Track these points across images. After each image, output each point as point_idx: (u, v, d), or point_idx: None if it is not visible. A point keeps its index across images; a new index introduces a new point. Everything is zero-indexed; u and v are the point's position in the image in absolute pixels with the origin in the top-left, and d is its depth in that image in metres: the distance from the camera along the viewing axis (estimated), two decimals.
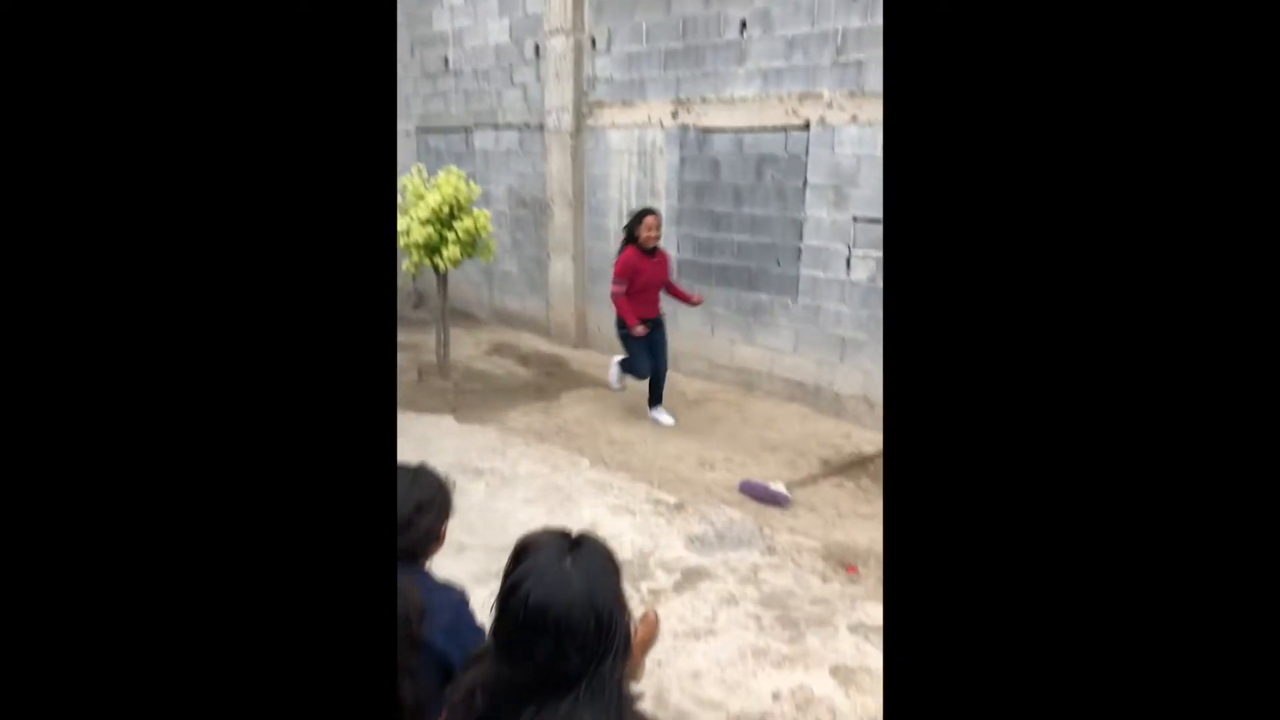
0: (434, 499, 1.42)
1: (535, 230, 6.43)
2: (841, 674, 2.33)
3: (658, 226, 4.21)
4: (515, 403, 4.83)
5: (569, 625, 0.93)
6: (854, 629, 2.56)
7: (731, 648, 2.46)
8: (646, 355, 4.39)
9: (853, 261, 4.43)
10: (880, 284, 4.32)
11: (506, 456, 3.96)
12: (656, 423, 4.54)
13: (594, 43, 5.63)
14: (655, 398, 4.61)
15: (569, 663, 0.93)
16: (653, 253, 4.26)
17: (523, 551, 1.00)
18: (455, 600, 1.37)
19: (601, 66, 5.62)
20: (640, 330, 4.20)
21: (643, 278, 4.22)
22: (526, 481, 3.69)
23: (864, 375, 4.49)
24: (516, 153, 6.48)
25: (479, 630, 1.35)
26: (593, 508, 3.42)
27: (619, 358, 4.61)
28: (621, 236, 4.31)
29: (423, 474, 1.45)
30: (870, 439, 4.26)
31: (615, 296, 4.21)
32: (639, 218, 4.21)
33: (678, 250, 5.41)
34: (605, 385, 5.18)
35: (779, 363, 4.96)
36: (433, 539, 1.43)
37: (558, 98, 5.84)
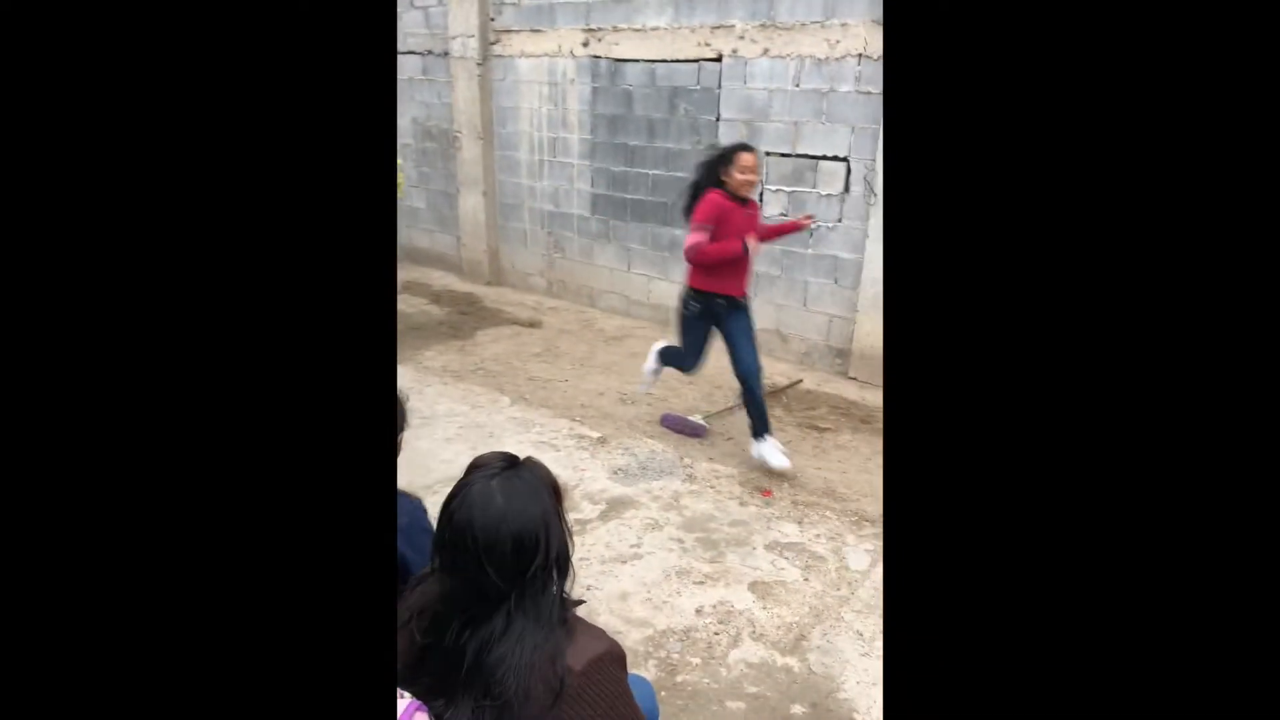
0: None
1: (443, 164, 6.20)
2: (759, 589, 2.49)
3: (755, 168, 2.91)
4: (429, 342, 4.74)
5: (486, 542, 0.97)
6: (770, 547, 2.72)
7: (656, 569, 2.57)
8: (702, 344, 3.22)
9: (765, 197, 4.50)
10: (790, 218, 4.42)
11: (424, 395, 3.91)
12: (765, 463, 3.13)
13: None
14: (759, 426, 3.15)
15: (488, 579, 0.97)
16: (744, 202, 3.01)
17: (468, 471, 1.04)
18: (410, 504, 1.44)
19: None
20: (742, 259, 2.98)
21: (731, 230, 2.95)
22: (446, 420, 3.67)
23: (776, 309, 4.63)
24: (420, 81, 6.17)
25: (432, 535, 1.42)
26: (516, 444, 3.45)
27: (661, 344, 3.49)
28: (694, 176, 3.09)
29: None
30: (782, 371, 4.42)
31: (695, 249, 2.92)
32: (728, 155, 2.92)
33: (591, 185, 5.34)
34: (520, 324, 5.14)
35: None
36: None
37: (462, 23, 5.57)
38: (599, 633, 1.07)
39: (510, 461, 1.05)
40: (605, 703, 1.02)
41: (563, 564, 1.04)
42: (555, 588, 1.04)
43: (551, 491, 1.05)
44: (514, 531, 0.98)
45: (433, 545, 1.04)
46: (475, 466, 1.05)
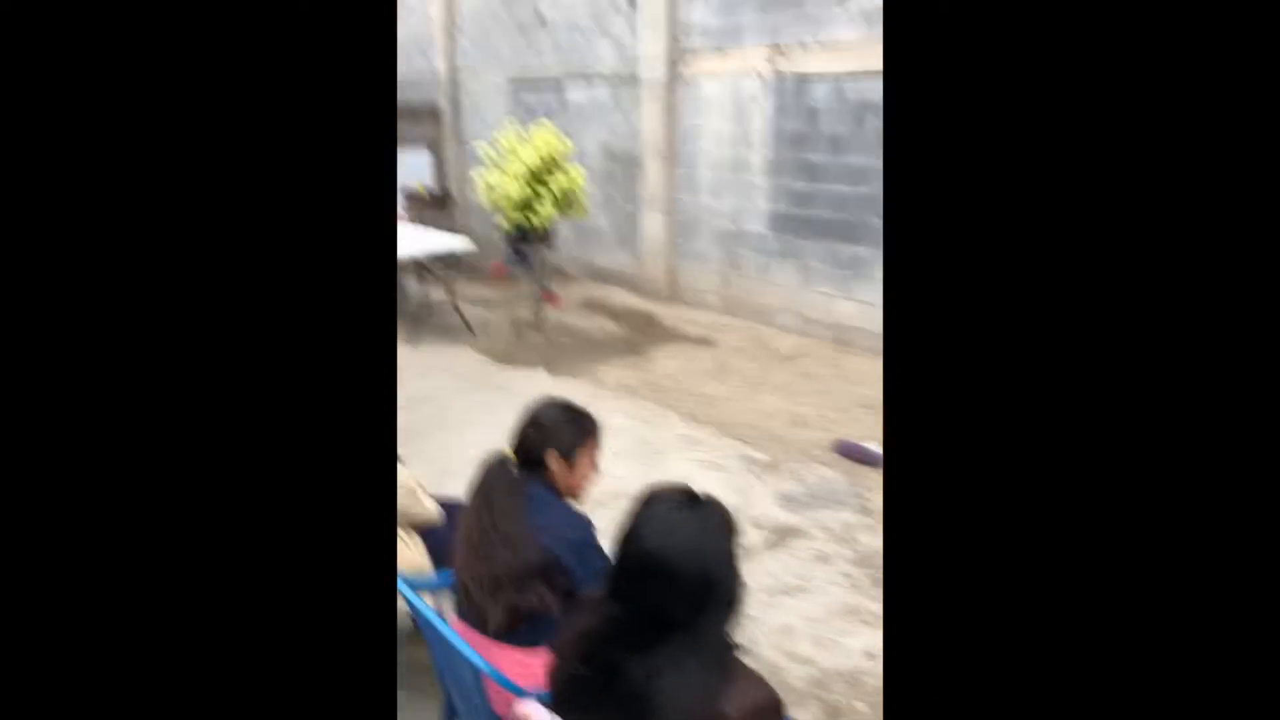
0: (555, 422, 1.51)
1: (626, 185, 6.40)
2: None
3: None
4: (607, 358, 4.88)
5: (675, 572, 0.97)
6: None
7: (823, 605, 2.44)
8: None
9: None
10: None
11: (598, 410, 4.02)
12: None
13: None
14: None
15: (670, 609, 0.96)
16: None
17: (644, 500, 1.05)
18: (580, 521, 1.47)
19: (696, 13, 5.46)
20: None
21: None
22: (617, 435, 3.73)
23: None
24: (609, 106, 6.42)
25: (603, 556, 1.43)
26: (682, 463, 3.44)
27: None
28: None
29: (544, 403, 1.54)
30: None
31: None
32: None
33: (771, 202, 5.27)
34: (694, 341, 5.15)
35: (877, 318, 4.79)
36: (565, 464, 1.51)
37: (651, 47, 5.73)
38: (759, 679, 1.02)
39: (693, 496, 1.06)
40: None
41: (736, 606, 1.03)
42: (724, 629, 1.02)
43: (732, 532, 1.05)
44: (703, 565, 0.98)
45: (610, 568, 1.05)
46: (655, 497, 1.05)
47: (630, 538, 1.01)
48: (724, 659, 1.00)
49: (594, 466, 1.59)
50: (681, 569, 0.97)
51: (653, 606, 0.97)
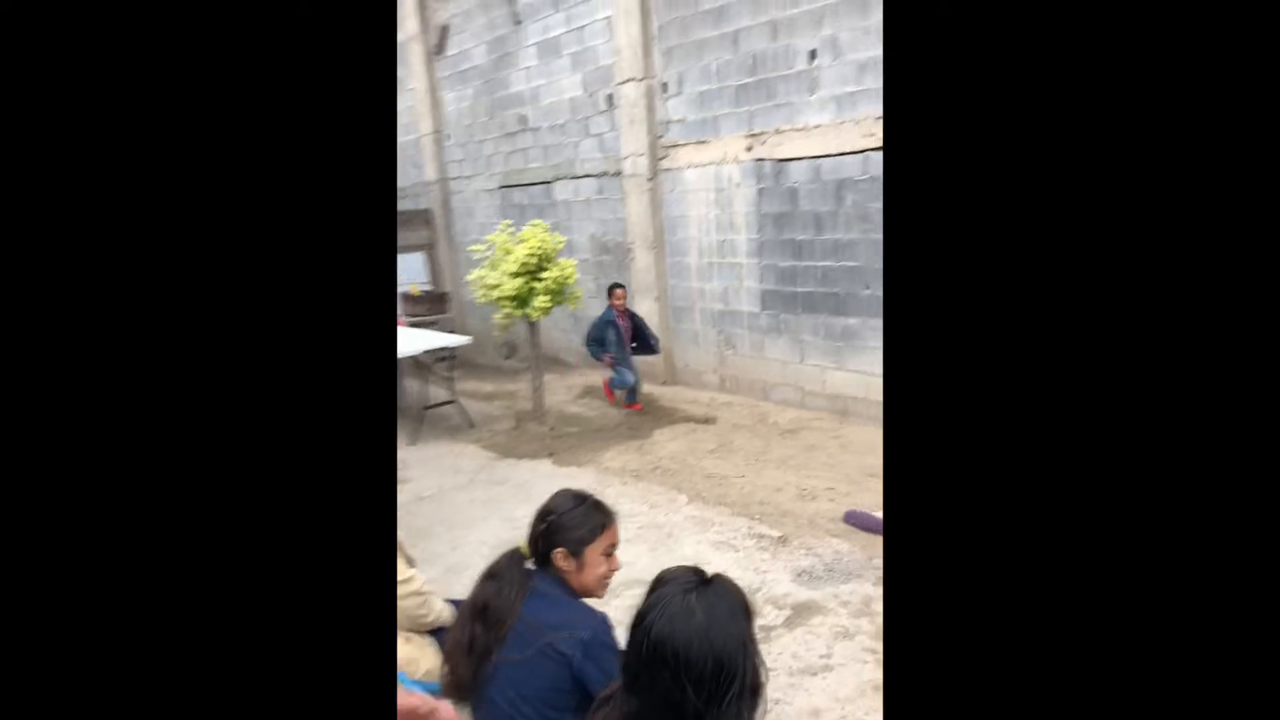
0: (562, 516, 1.48)
1: (618, 274, 6.55)
2: None
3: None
4: (610, 443, 4.88)
5: (686, 659, 0.93)
6: None
7: (850, 683, 2.36)
8: None
9: None
10: None
11: (605, 497, 3.97)
12: None
13: (665, 87, 5.76)
14: None
15: (686, 697, 0.93)
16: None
17: (655, 585, 1.02)
18: (597, 619, 1.42)
19: (674, 108, 5.74)
20: None
21: None
22: (626, 521, 3.70)
23: None
24: (596, 200, 6.65)
25: (616, 655, 1.38)
26: (694, 544, 3.40)
27: None
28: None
29: (557, 495, 1.53)
30: None
31: None
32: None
33: (760, 281, 5.39)
34: (695, 420, 5.17)
35: (875, 387, 4.83)
36: (574, 561, 1.47)
37: (633, 144, 5.99)
38: None
39: (702, 577, 1.03)
40: None
41: (756, 690, 0.99)
42: (747, 714, 0.99)
43: (746, 612, 1.01)
44: (715, 650, 0.94)
45: (623, 661, 1.02)
46: (664, 580, 1.03)
47: (640, 625, 0.98)
48: None
49: (609, 561, 1.55)
50: (693, 654, 0.93)
51: (668, 696, 0.93)
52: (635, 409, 5.51)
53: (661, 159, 5.90)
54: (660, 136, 5.88)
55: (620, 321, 5.46)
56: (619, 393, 5.62)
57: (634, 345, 5.54)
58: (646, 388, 6.08)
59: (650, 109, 5.86)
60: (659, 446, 4.76)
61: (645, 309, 6.22)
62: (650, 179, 5.94)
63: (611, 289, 5.47)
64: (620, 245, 6.45)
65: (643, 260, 6.17)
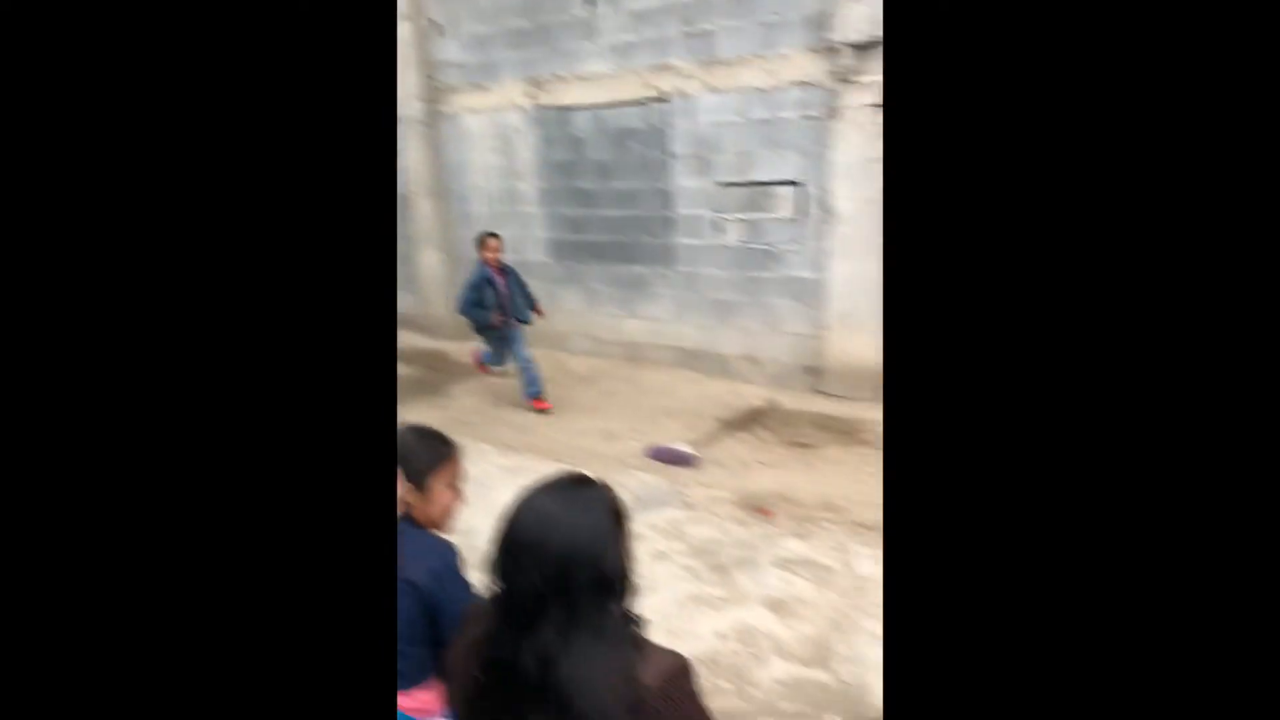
0: (404, 449, 1.43)
1: (399, 224, 6.19)
2: (776, 606, 2.49)
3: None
4: (405, 400, 4.67)
5: (536, 549, 0.96)
6: (778, 564, 2.72)
7: (670, 599, 2.55)
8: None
9: (724, 226, 4.61)
10: (752, 245, 4.53)
11: None
12: None
13: (440, 29, 5.46)
14: None
15: (537, 585, 0.96)
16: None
17: (526, 489, 1.03)
18: (444, 548, 1.40)
19: (450, 51, 5.47)
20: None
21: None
22: None
23: (744, 334, 4.70)
24: None
25: (466, 584, 1.38)
26: (510, 492, 3.40)
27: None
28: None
29: (401, 428, 1.46)
30: (757, 394, 4.48)
31: None
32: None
33: (549, 230, 5.40)
34: (491, 375, 5.11)
35: (663, 332, 5.09)
36: (419, 493, 1.43)
37: (406, 86, 5.63)
38: (665, 647, 1.06)
39: (574, 480, 1.05)
40: (683, 716, 1.01)
41: (621, 583, 1.04)
42: (616, 607, 1.03)
43: (612, 512, 1.05)
44: (563, 542, 0.96)
45: (488, 559, 1.02)
46: (537, 484, 1.04)
47: (505, 519, 0.99)
48: (629, 634, 1.01)
49: (455, 492, 1.53)
50: (547, 543, 0.95)
51: (526, 583, 0.95)
52: (543, 407, 4.44)
53: (438, 103, 5.62)
54: (435, 80, 5.58)
55: (498, 278, 4.37)
56: (496, 369, 4.70)
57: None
58: (439, 344, 5.87)
59: (422, 49, 5.53)
60: (457, 401, 4.66)
61: (428, 260, 5.96)
62: (427, 124, 5.64)
63: (483, 239, 4.34)
64: (400, 194, 6.09)
65: (424, 210, 5.88)
